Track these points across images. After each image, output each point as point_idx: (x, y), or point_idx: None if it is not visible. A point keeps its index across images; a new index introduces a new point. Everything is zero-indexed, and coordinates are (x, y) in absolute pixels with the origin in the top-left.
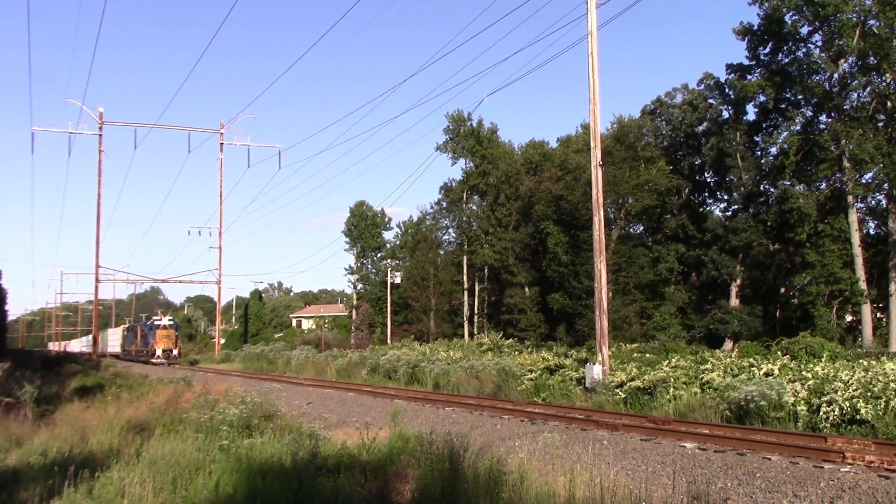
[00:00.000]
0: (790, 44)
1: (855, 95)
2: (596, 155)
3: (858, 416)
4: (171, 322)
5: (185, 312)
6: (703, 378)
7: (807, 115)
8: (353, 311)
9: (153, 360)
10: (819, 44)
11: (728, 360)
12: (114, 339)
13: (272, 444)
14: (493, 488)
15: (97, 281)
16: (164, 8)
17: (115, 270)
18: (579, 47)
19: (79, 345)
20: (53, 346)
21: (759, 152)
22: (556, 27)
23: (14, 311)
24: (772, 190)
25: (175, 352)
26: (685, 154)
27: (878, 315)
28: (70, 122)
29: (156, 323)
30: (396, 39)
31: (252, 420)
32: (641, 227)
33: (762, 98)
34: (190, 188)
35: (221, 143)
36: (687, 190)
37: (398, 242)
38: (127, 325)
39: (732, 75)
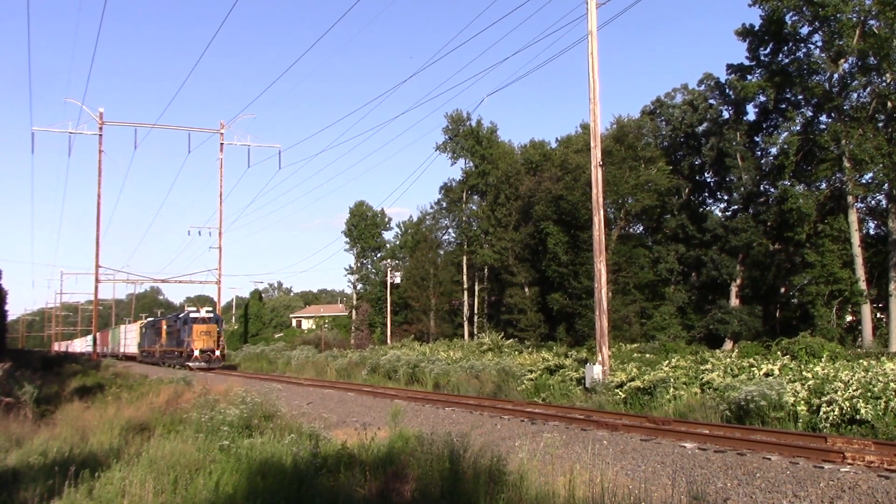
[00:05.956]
0: (790, 44)
1: (855, 96)
2: (596, 155)
3: (858, 417)
4: (212, 314)
5: None
6: (703, 378)
7: (807, 116)
8: (353, 311)
9: (190, 364)
10: (819, 44)
11: (728, 360)
12: (129, 338)
13: (272, 444)
14: (493, 488)
15: (97, 281)
16: (164, 8)
17: (115, 270)
18: (579, 47)
19: (83, 344)
20: (59, 347)
21: (759, 152)
22: (556, 27)
23: (14, 311)
24: (772, 190)
25: (217, 352)
26: (685, 154)
27: (878, 315)
28: (70, 122)
29: (191, 315)
30: (396, 39)
31: (252, 420)
32: (641, 227)
33: (762, 98)
34: (190, 188)
35: (221, 143)
36: (687, 190)
37: (398, 242)
38: (147, 320)
39: (733, 76)
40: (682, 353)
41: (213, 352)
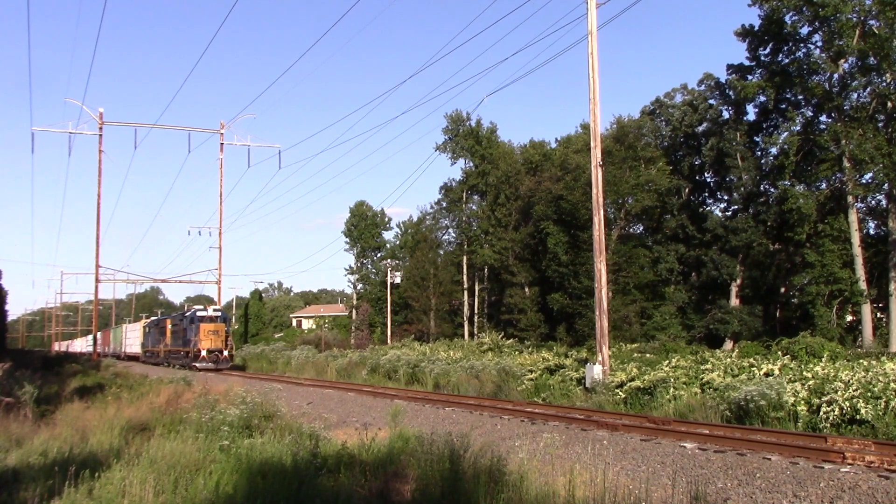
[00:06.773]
0: (790, 44)
1: (855, 96)
2: (596, 155)
3: (858, 417)
4: (219, 313)
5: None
6: (703, 378)
7: (807, 116)
8: (353, 311)
9: (197, 365)
10: (819, 44)
11: (728, 360)
12: (132, 337)
13: (272, 444)
14: (493, 488)
15: (97, 281)
16: (164, 8)
17: (115, 270)
18: (579, 47)
19: (83, 344)
20: (59, 347)
21: (759, 152)
22: (556, 27)
23: (14, 311)
24: (772, 190)
25: (225, 352)
26: (685, 154)
27: (878, 315)
28: (70, 122)
29: (198, 314)
30: (396, 39)
31: (252, 420)
32: (641, 227)
33: (762, 98)
34: (190, 188)
35: (221, 143)
36: (687, 190)
37: (398, 242)
38: (151, 319)
39: (733, 76)
40: (682, 353)
41: (220, 352)
